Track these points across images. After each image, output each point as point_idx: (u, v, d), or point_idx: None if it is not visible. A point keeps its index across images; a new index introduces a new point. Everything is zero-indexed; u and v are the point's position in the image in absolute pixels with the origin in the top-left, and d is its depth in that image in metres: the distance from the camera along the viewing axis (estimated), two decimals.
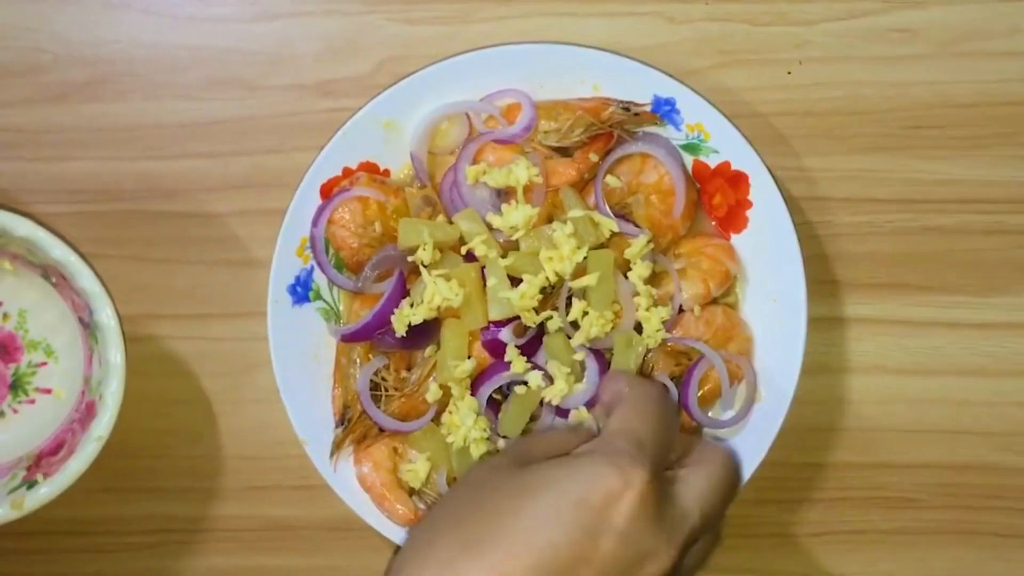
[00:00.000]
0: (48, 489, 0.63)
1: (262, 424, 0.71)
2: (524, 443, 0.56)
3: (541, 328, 0.65)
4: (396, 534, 0.66)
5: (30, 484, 0.64)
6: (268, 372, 0.66)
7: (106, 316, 0.63)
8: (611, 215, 0.65)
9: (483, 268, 0.64)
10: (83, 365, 0.68)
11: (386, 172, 0.67)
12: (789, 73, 0.69)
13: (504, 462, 0.53)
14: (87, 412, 0.65)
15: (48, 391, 0.69)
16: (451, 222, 0.65)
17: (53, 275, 0.66)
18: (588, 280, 0.64)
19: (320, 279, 0.66)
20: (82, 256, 0.63)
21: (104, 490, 0.70)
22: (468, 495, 0.52)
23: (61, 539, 0.71)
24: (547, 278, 0.64)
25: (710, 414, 0.67)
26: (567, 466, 0.50)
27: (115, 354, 0.63)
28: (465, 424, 0.64)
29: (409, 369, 0.67)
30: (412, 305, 0.64)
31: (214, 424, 0.72)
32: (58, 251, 0.63)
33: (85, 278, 0.63)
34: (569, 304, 0.64)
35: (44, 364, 0.69)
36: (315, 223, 0.65)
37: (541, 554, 0.47)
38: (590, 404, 0.65)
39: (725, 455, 0.55)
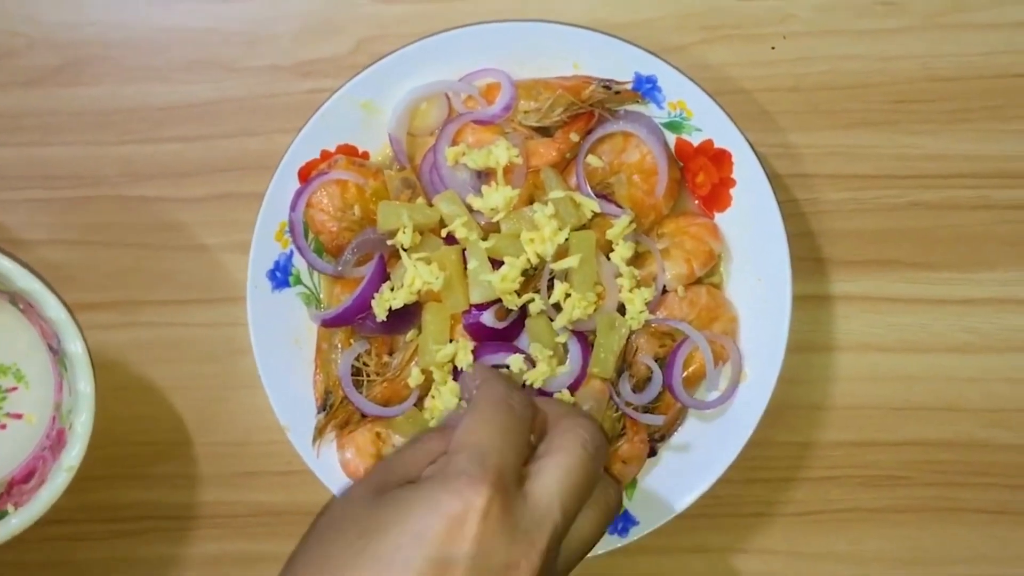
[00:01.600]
0: (18, 520, 0.63)
1: (246, 409, 0.71)
2: (384, 465, 0.55)
3: (523, 311, 0.64)
4: None
5: (1, 514, 0.63)
6: (251, 357, 0.65)
7: (74, 346, 0.63)
8: (593, 195, 0.65)
9: (464, 251, 0.64)
10: (53, 391, 0.68)
11: (365, 154, 0.66)
12: (773, 48, 0.69)
13: (360, 492, 0.52)
14: (58, 439, 0.65)
15: (19, 416, 0.68)
16: (431, 204, 0.65)
17: (20, 302, 0.65)
18: (570, 262, 0.63)
19: (300, 264, 0.66)
20: (48, 285, 0.63)
21: (89, 478, 0.69)
22: (322, 537, 0.51)
23: (47, 527, 0.70)
24: (529, 260, 0.63)
25: (695, 395, 0.66)
26: (409, 498, 0.49)
27: (84, 384, 0.63)
28: (448, 409, 0.64)
29: (391, 354, 0.66)
30: (393, 289, 0.64)
31: (198, 410, 0.71)
32: (23, 281, 0.62)
33: (52, 308, 0.62)
34: (551, 286, 0.64)
35: (15, 389, 0.68)
36: (293, 207, 0.65)
37: None
38: (573, 387, 0.64)
39: (580, 436, 0.53)
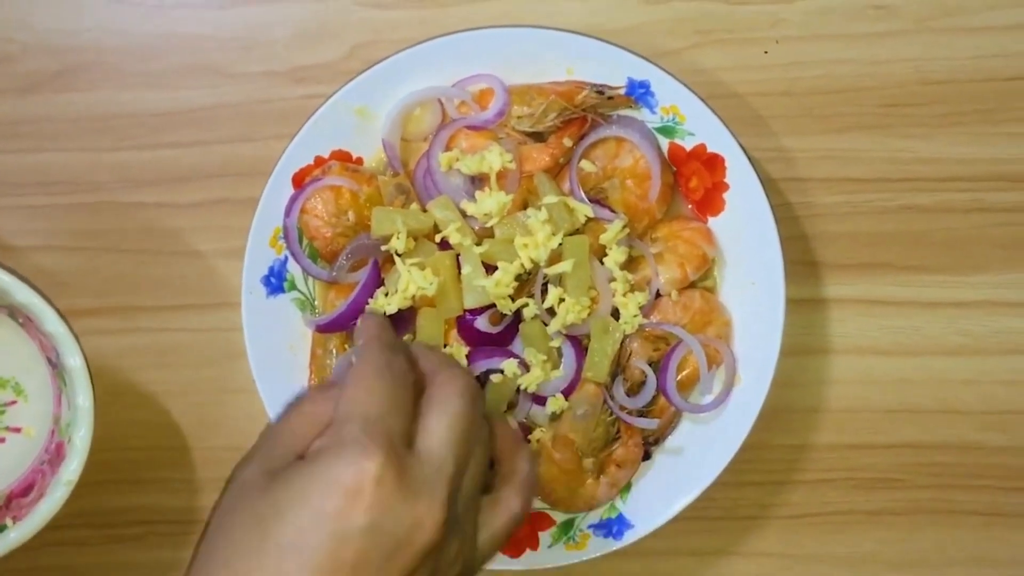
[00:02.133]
0: (17, 534, 0.63)
1: (243, 414, 0.71)
2: (270, 438, 0.54)
3: (517, 316, 0.64)
4: None
5: (0, 528, 0.64)
6: (247, 362, 0.65)
7: (73, 360, 0.63)
8: (586, 200, 0.65)
9: (458, 256, 0.64)
10: (53, 405, 0.68)
11: (359, 160, 0.66)
12: (766, 52, 0.69)
13: (252, 474, 0.52)
14: (56, 453, 0.65)
15: (18, 430, 0.68)
16: (425, 210, 0.65)
17: (20, 315, 0.66)
18: (563, 266, 0.63)
19: (294, 269, 0.66)
20: (47, 299, 0.63)
21: (87, 483, 0.70)
22: (222, 529, 0.50)
23: (44, 534, 0.70)
24: (522, 265, 0.63)
25: (690, 399, 0.67)
26: (302, 476, 0.49)
27: (83, 399, 0.63)
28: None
29: None
30: (387, 294, 0.64)
31: (195, 415, 0.71)
32: (21, 295, 0.62)
33: (50, 321, 0.63)
34: (545, 291, 0.64)
35: (14, 403, 0.69)
36: (288, 213, 0.65)
37: (302, 573, 0.47)
38: (567, 391, 0.65)
39: (456, 386, 0.53)
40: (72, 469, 0.63)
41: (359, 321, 0.63)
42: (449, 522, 0.49)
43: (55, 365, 0.66)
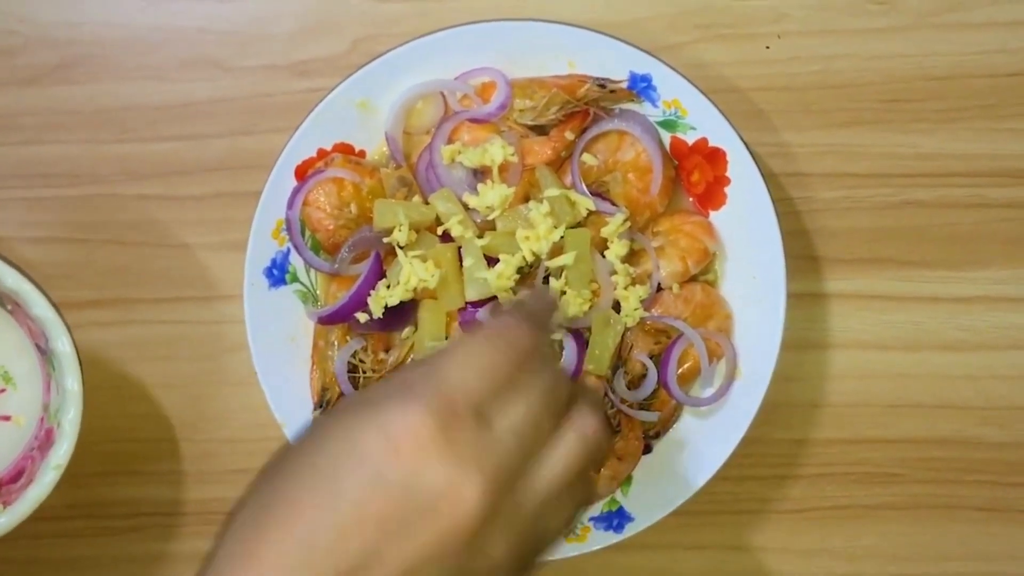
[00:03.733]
0: (6, 519, 0.63)
1: (243, 407, 0.71)
2: (379, 383, 0.51)
3: None
4: None
5: None
6: (248, 355, 0.65)
7: (62, 344, 0.62)
8: (588, 193, 0.65)
9: (459, 248, 0.64)
10: (42, 392, 0.68)
11: (361, 153, 0.66)
12: (767, 48, 0.69)
13: (355, 395, 0.49)
14: (46, 439, 0.65)
15: (7, 418, 0.68)
16: (427, 203, 0.65)
17: (8, 302, 0.65)
18: (565, 259, 0.63)
19: (296, 261, 0.66)
20: (35, 283, 0.63)
21: (81, 475, 0.70)
22: (294, 444, 0.48)
23: (38, 524, 0.70)
24: (524, 258, 0.63)
25: (690, 392, 0.67)
26: (354, 412, 0.45)
27: (72, 382, 0.63)
28: None
29: (387, 351, 0.66)
30: (389, 287, 0.64)
31: (193, 408, 0.71)
32: (10, 280, 0.62)
33: (39, 306, 0.62)
34: (546, 283, 0.64)
35: (3, 391, 0.68)
36: (290, 205, 0.65)
37: (328, 514, 0.43)
38: None
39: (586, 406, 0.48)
40: (61, 453, 0.63)
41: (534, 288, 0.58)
42: (492, 505, 0.44)
43: (44, 351, 0.65)
